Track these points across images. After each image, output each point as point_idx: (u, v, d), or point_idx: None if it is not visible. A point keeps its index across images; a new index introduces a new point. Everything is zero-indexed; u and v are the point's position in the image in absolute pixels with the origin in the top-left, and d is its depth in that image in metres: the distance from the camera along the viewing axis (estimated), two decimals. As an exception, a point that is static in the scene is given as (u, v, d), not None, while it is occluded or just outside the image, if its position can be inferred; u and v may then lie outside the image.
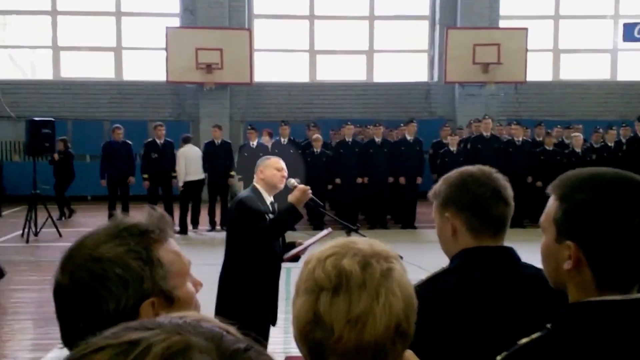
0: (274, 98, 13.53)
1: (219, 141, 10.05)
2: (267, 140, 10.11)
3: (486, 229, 1.56)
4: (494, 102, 13.35)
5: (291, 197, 3.44)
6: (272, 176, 3.46)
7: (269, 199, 3.51)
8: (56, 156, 10.36)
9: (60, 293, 0.99)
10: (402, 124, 10.62)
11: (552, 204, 1.16)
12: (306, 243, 3.55)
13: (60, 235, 9.07)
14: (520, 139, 10.04)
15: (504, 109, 13.48)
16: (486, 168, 1.63)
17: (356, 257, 1.02)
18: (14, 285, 6.88)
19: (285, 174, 3.54)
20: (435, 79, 13.82)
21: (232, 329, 0.56)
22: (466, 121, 12.02)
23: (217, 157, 9.79)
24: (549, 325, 1.12)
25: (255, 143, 9.94)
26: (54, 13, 13.40)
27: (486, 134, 10.04)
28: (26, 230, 8.87)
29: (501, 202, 1.57)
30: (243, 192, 3.56)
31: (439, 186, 1.63)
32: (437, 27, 13.72)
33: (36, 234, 8.96)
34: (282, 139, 10.18)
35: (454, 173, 1.62)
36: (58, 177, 10.46)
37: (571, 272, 1.12)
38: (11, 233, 9.45)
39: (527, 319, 1.37)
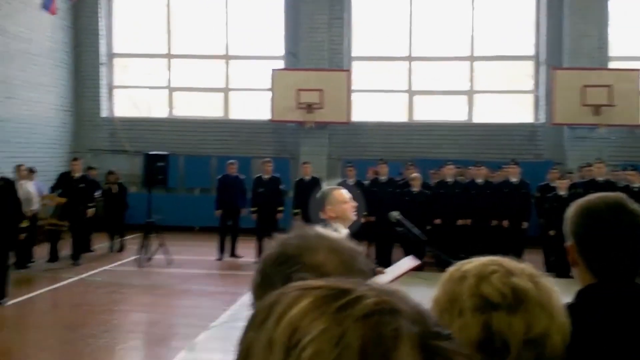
0: (371, 137, 13.68)
1: (309, 177, 10.31)
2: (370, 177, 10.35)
3: (608, 272, 1.40)
4: (607, 145, 12.67)
5: None
6: (344, 211, 3.50)
7: (345, 232, 3.54)
8: (115, 188, 10.89)
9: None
10: (504, 166, 10.34)
11: None
12: (391, 275, 3.48)
13: (170, 262, 9.50)
14: (638, 185, 9.43)
15: (618, 153, 12.71)
16: (621, 200, 1.44)
17: (523, 275, 0.98)
18: (129, 306, 7.33)
19: (354, 202, 3.57)
20: (542, 120, 13.40)
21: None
22: (576, 164, 11.50)
23: (307, 194, 10.02)
24: None
25: (353, 180, 10.04)
26: (169, 56, 14.49)
27: (600, 178, 9.52)
28: (140, 256, 9.44)
29: (631, 244, 1.39)
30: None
31: (571, 209, 1.50)
32: (543, 67, 13.39)
33: (149, 260, 9.50)
34: (381, 177, 10.24)
35: (584, 201, 1.47)
36: (111, 209, 10.72)
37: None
38: (127, 258, 10.09)
39: None
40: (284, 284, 0.88)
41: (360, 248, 1.00)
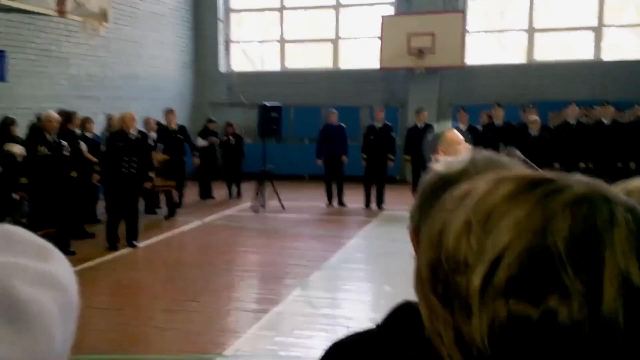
0: (486, 81, 13.08)
1: (422, 124, 10.07)
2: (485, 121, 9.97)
3: None
4: None
5: None
6: (458, 152, 3.35)
7: None
8: (232, 139, 11.22)
9: None
10: (636, 105, 9.46)
11: None
12: None
13: (283, 207, 10.03)
14: None
15: None
16: None
17: None
18: (246, 248, 7.83)
19: (467, 144, 3.43)
20: (680, 54, 11.98)
21: None
22: None
23: (420, 140, 9.86)
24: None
25: (465, 125, 9.74)
26: (281, 9, 14.69)
27: None
28: (255, 202, 9.97)
29: None
30: None
31: None
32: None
33: (263, 206, 10.02)
34: (496, 121, 9.82)
35: None
36: (229, 158, 11.22)
37: None
38: (243, 204, 10.70)
39: None
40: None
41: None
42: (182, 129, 10.02)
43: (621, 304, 0.45)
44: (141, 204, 9.75)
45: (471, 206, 0.50)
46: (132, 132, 7.55)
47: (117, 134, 7.60)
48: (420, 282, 0.53)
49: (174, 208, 9.51)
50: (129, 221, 7.55)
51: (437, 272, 0.51)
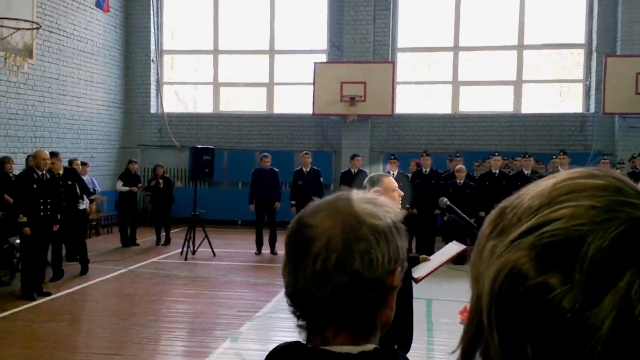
0: (414, 129, 13.56)
1: (356, 170, 10.25)
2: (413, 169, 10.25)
3: None
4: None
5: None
6: (393, 199, 3.30)
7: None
8: (161, 183, 10.82)
9: None
10: (554, 157, 10.09)
11: None
12: (438, 261, 3.39)
13: (214, 254, 9.78)
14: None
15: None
16: None
17: None
18: (173, 297, 7.53)
19: (401, 192, 3.49)
20: (592, 110, 12.96)
21: None
22: (627, 155, 11.09)
23: (355, 185, 10.01)
24: None
25: (395, 172, 10.00)
26: (215, 52, 14.72)
27: (652, 168, 9.16)
28: (185, 248, 9.67)
29: None
30: None
31: None
32: (595, 55, 12.92)
33: (194, 252, 9.73)
34: (424, 169, 10.14)
35: None
36: (158, 202, 10.78)
37: None
38: (172, 251, 10.37)
39: None
40: (289, 243, 0.96)
41: (381, 220, 0.94)
42: (70, 172, 8.58)
43: (611, 321, 0.46)
44: (62, 250, 9.30)
45: (552, 182, 0.54)
46: (44, 172, 7.18)
47: (27, 174, 7.19)
48: (479, 236, 0.57)
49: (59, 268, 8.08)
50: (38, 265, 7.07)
51: (496, 224, 0.55)
